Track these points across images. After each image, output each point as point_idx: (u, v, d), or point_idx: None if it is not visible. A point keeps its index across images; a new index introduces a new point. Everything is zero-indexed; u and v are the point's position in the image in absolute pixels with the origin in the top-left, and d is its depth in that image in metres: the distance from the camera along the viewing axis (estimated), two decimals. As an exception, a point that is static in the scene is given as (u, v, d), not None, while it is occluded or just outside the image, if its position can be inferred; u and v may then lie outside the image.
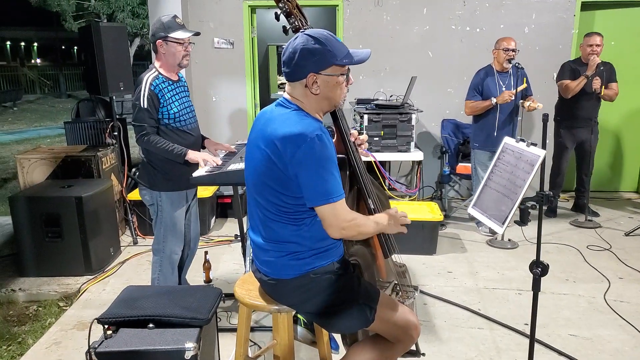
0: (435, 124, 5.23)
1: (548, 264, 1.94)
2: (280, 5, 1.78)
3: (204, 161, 2.59)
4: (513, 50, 4.06)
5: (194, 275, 3.35)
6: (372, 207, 1.86)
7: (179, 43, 2.58)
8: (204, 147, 2.92)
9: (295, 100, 1.68)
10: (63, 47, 30.71)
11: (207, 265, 3.41)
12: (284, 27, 1.81)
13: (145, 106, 2.52)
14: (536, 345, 2.63)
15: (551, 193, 1.76)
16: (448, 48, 5.12)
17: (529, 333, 2.70)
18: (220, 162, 2.62)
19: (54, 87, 22.21)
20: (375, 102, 4.53)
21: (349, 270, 1.79)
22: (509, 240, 4.09)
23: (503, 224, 1.77)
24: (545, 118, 1.77)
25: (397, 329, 1.78)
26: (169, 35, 2.55)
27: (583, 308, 3.07)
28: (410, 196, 4.69)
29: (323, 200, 1.58)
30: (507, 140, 1.89)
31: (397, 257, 2.06)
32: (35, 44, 31.17)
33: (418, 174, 4.62)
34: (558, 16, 5.04)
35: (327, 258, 1.73)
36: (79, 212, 3.42)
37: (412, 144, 4.39)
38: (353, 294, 1.73)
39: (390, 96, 4.90)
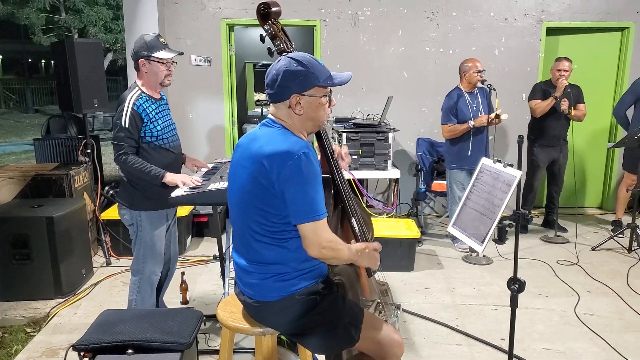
0: (411, 142, 5.34)
1: (525, 281, 2.00)
2: (266, 27, 1.82)
3: (183, 183, 2.56)
4: (480, 71, 4.20)
5: (171, 297, 3.29)
6: (355, 225, 1.89)
7: (162, 63, 2.58)
8: (183, 164, 2.90)
9: (279, 121, 1.71)
10: (30, 60, 29.98)
11: (183, 286, 3.35)
12: (269, 49, 1.84)
13: (126, 126, 2.50)
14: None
15: (527, 212, 1.82)
16: (422, 69, 5.26)
17: (506, 348, 2.78)
18: (200, 183, 2.60)
19: (20, 101, 21.59)
20: (353, 121, 4.60)
21: (333, 290, 1.80)
22: (484, 256, 4.18)
23: (482, 242, 1.82)
24: (520, 140, 1.85)
25: (381, 348, 1.79)
26: (152, 54, 2.55)
27: (555, 322, 3.15)
28: (387, 213, 4.75)
29: (307, 218, 1.60)
30: (485, 161, 1.96)
31: (379, 276, 2.09)
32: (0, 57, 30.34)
33: (395, 192, 4.69)
34: (525, 40, 5.25)
35: (311, 279, 1.74)
36: (49, 233, 3.31)
37: (389, 162, 4.46)
38: (338, 314, 1.74)
39: (368, 115, 4.99)
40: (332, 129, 4.75)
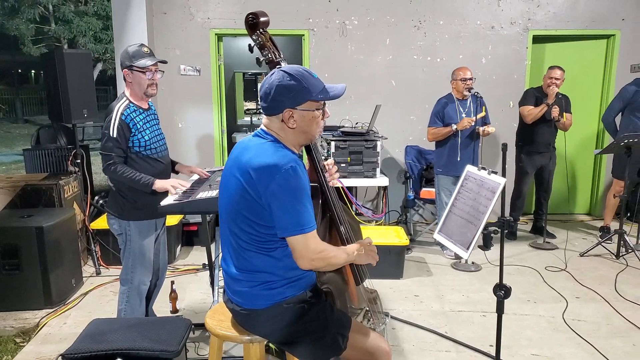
0: (399, 150, 5.37)
1: (511, 287, 2.02)
2: (254, 37, 1.83)
3: (173, 187, 2.58)
4: (470, 79, 4.26)
5: (160, 306, 3.28)
6: (344, 234, 1.90)
7: (144, 72, 2.58)
8: (176, 172, 2.91)
9: (272, 132, 1.72)
10: (20, 70, 29.81)
11: (173, 295, 3.35)
12: (257, 58, 1.86)
13: (115, 135, 2.51)
14: (502, 366, 2.71)
15: (511, 218, 1.85)
16: (410, 77, 5.32)
17: (494, 354, 2.79)
18: (189, 186, 2.62)
19: (9, 111, 21.43)
20: (341, 130, 4.63)
21: (321, 299, 1.81)
22: (473, 263, 4.20)
23: (467, 249, 1.84)
24: (504, 147, 1.88)
25: (368, 356, 1.80)
26: (134, 64, 2.56)
27: (543, 328, 3.17)
28: (376, 221, 4.77)
29: (295, 231, 1.61)
30: (470, 168, 1.99)
31: (368, 283, 2.10)
32: (-11, 67, 30.11)
33: (384, 199, 4.71)
34: (512, 48, 5.33)
35: (299, 287, 1.75)
36: (39, 243, 3.30)
37: (378, 169, 4.49)
38: (326, 323, 1.75)
39: (356, 123, 5.02)
40: (321, 137, 4.78)
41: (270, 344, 2.08)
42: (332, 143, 4.41)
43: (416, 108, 5.31)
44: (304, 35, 5.20)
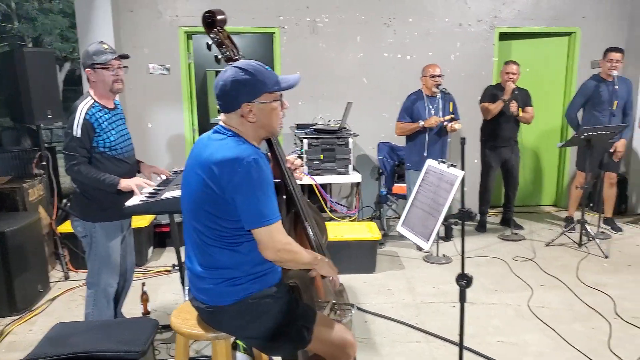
0: (372, 147, 5.43)
1: (472, 276, 2.08)
2: (212, 35, 1.84)
3: (138, 187, 2.55)
4: (439, 76, 4.33)
5: (131, 308, 3.25)
6: (309, 229, 1.93)
7: (106, 68, 2.55)
8: (139, 172, 2.88)
9: (231, 128, 1.72)
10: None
11: (144, 297, 3.31)
12: (215, 56, 1.86)
13: (78, 135, 2.47)
14: (468, 354, 2.79)
15: (471, 210, 1.90)
16: (381, 74, 5.37)
17: (464, 344, 2.85)
18: (154, 185, 2.60)
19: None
20: (314, 127, 4.66)
21: (286, 293, 1.83)
22: (444, 255, 4.28)
23: (428, 240, 1.89)
24: (462, 142, 1.93)
25: (334, 348, 1.83)
26: (96, 61, 2.53)
27: (510, 316, 3.26)
28: (350, 217, 4.81)
29: (260, 223, 1.62)
30: (430, 162, 2.03)
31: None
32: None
33: (357, 196, 4.76)
34: (480, 45, 5.44)
35: (264, 282, 1.77)
36: (1, 249, 3.21)
37: (350, 166, 4.52)
38: (291, 317, 1.77)
39: (329, 121, 5.05)
40: (295, 135, 4.80)
41: (238, 341, 2.09)
42: (305, 140, 4.43)
43: (388, 105, 5.36)
44: (274, 32, 5.20)
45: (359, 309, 3.38)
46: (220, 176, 1.61)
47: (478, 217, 5.10)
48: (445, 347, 2.91)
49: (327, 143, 4.45)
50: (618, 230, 4.92)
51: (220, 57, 1.85)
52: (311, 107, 5.26)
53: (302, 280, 1.94)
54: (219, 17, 1.82)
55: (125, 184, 2.54)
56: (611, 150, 4.75)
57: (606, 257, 4.22)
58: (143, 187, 2.57)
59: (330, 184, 5.21)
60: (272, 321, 1.75)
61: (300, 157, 4.50)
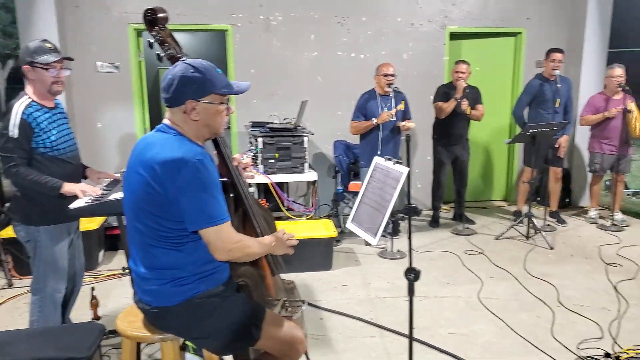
0: (328, 145, 5.46)
1: (420, 270, 2.13)
2: (154, 33, 1.81)
3: (82, 192, 2.46)
4: (392, 75, 4.41)
5: (81, 314, 3.14)
6: (257, 227, 1.92)
7: (46, 69, 2.46)
8: (85, 177, 2.78)
9: (175, 126, 1.70)
10: None
11: (94, 302, 3.22)
12: (158, 54, 1.84)
13: (15, 136, 2.36)
14: (420, 346, 2.86)
15: (417, 205, 1.95)
16: (336, 73, 5.41)
17: (416, 336, 2.94)
18: (100, 192, 2.51)
19: None
20: (269, 125, 4.64)
21: (234, 292, 1.82)
22: (398, 250, 4.37)
23: (375, 235, 1.92)
24: (407, 140, 1.98)
25: (283, 345, 1.84)
26: (36, 60, 2.43)
27: (461, 308, 3.37)
28: (307, 215, 4.83)
29: (207, 224, 1.61)
30: (377, 159, 2.07)
31: (286, 276, 2.14)
32: None
33: (313, 194, 4.78)
34: (431, 45, 5.57)
35: (212, 281, 1.75)
36: (-61, 255, 3.06)
37: (306, 165, 4.54)
38: (238, 315, 1.77)
39: (284, 119, 5.05)
40: (250, 133, 4.77)
41: (187, 342, 2.06)
42: (260, 139, 4.41)
43: (343, 103, 5.40)
44: (227, 30, 5.14)
45: (314, 306, 3.40)
46: (164, 176, 1.59)
47: (432, 213, 5.24)
48: (398, 341, 2.97)
49: (282, 141, 4.45)
50: (562, 222, 5.16)
51: (162, 55, 1.82)
52: (266, 106, 5.24)
53: (251, 278, 1.93)
54: (160, 15, 1.79)
55: (68, 187, 2.44)
56: (555, 147, 4.97)
57: (551, 248, 4.42)
58: (88, 193, 2.47)
59: (286, 183, 5.21)
60: (219, 320, 1.74)
61: (255, 156, 4.48)
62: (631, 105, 4.76)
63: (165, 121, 1.73)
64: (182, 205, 1.60)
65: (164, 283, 1.69)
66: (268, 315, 1.82)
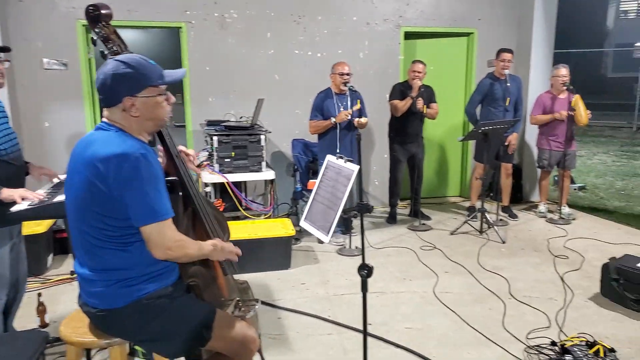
0: (287, 143, 5.44)
1: (373, 266, 2.15)
2: (97, 30, 1.75)
3: (21, 197, 2.33)
4: (347, 74, 4.44)
5: (27, 321, 3.01)
6: (208, 227, 1.89)
7: None
8: (27, 174, 2.66)
9: (115, 123, 1.66)
10: None
11: (41, 309, 3.09)
12: (101, 51, 1.78)
13: (-52, 135, 2.23)
14: (376, 341, 2.90)
15: (369, 203, 1.96)
16: (293, 71, 5.40)
17: (373, 332, 2.97)
18: (43, 196, 2.40)
19: None
20: (224, 124, 4.58)
21: (184, 293, 1.79)
22: (356, 247, 4.41)
23: (328, 233, 1.93)
24: (358, 138, 1.99)
25: (235, 345, 1.82)
26: None
27: (417, 302, 3.44)
28: (265, 214, 4.80)
29: (150, 219, 1.58)
30: (329, 157, 2.08)
31: (245, 276, 2.11)
32: None
33: (271, 192, 4.75)
34: (386, 44, 5.64)
35: (160, 282, 1.71)
36: None
37: (264, 163, 4.51)
38: (188, 316, 1.74)
39: (241, 117, 5.00)
40: (205, 132, 4.69)
41: (136, 347, 2.01)
42: (215, 137, 4.34)
43: (300, 102, 5.40)
44: (181, 27, 5.04)
45: (272, 305, 3.39)
46: (106, 173, 1.55)
47: (389, 210, 5.31)
48: (356, 337, 2.99)
49: (239, 140, 4.40)
50: (514, 217, 5.35)
51: (106, 52, 1.77)
52: (222, 104, 5.17)
53: (202, 279, 1.90)
54: (103, 12, 1.74)
55: (7, 193, 2.31)
56: (506, 144, 5.15)
57: (503, 242, 4.57)
58: (28, 198, 2.34)
59: (244, 182, 5.16)
60: (168, 322, 1.71)
61: (210, 154, 4.42)
62: (575, 98, 4.95)
63: (104, 119, 1.69)
64: (126, 200, 1.57)
65: (110, 284, 1.64)
66: (219, 315, 1.80)
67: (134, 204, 1.56)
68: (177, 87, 5.49)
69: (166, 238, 1.60)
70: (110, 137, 1.62)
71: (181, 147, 1.95)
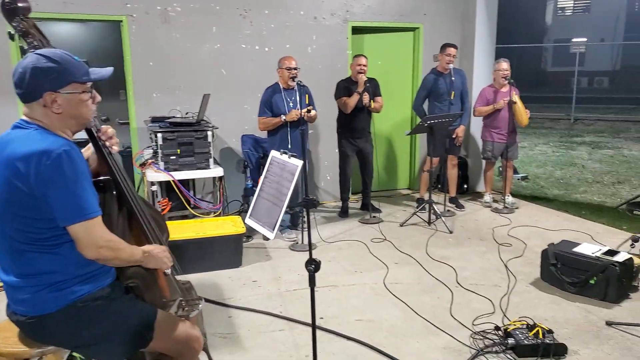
0: (236, 139, 5.35)
1: (320, 261, 2.15)
2: (14, 24, 1.65)
3: None
4: (295, 69, 4.41)
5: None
6: (145, 227, 1.82)
7: None
8: None
9: (35, 121, 1.58)
10: None
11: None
12: (21, 47, 1.68)
13: None
14: (327, 335, 2.91)
15: (316, 197, 1.96)
16: (240, 66, 5.31)
17: (325, 326, 2.98)
18: None
19: None
20: (169, 120, 4.44)
21: (122, 294, 1.72)
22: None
23: (273, 229, 1.91)
24: (301, 133, 1.98)
25: (178, 344, 1.77)
26: None
27: (367, 294, 3.48)
28: (214, 212, 4.70)
29: (77, 218, 1.51)
30: (274, 153, 2.06)
31: (181, 277, 2.06)
32: None
33: (221, 190, 4.66)
34: (334, 38, 5.65)
35: (95, 283, 1.64)
36: None
37: (211, 160, 4.41)
38: (127, 318, 1.67)
39: (187, 113, 4.86)
40: (148, 129, 4.54)
41: (74, 354, 1.92)
42: (159, 135, 4.20)
43: (249, 97, 5.32)
44: (122, 21, 4.84)
45: (222, 304, 3.33)
46: (27, 172, 1.46)
47: (341, 204, 5.35)
48: (307, 332, 2.98)
49: (184, 137, 4.28)
50: (461, 207, 5.51)
51: (26, 47, 1.66)
52: (167, 100, 5.02)
53: (142, 279, 1.83)
54: (20, 5, 1.63)
55: None
56: (453, 136, 5.29)
57: (451, 232, 4.70)
58: None
59: (192, 180, 5.04)
60: (107, 324, 1.64)
61: (155, 152, 4.28)
62: (515, 97, 5.19)
63: (23, 117, 1.60)
64: (50, 200, 1.49)
65: (39, 290, 1.55)
66: (160, 316, 1.74)
67: (58, 203, 1.49)
68: (120, 84, 5.29)
69: (96, 237, 1.53)
70: (29, 134, 1.53)
71: (102, 127, 1.85)
